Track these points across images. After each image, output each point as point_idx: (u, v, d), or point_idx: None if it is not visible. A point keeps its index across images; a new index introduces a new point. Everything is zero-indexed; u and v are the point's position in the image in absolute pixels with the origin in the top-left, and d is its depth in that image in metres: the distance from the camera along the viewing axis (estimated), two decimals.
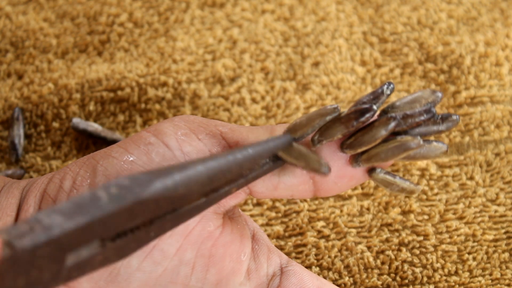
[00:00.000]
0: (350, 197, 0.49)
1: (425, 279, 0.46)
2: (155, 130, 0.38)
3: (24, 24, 0.56)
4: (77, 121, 0.51)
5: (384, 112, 0.37)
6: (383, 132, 0.36)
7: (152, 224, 0.33)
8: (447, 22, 0.56)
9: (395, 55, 0.55)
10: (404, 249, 0.47)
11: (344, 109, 0.42)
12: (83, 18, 0.56)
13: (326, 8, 0.57)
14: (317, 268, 0.47)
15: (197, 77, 0.54)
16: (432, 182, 0.49)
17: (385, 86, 0.37)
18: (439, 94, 0.37)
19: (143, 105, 0.52)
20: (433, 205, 0.49)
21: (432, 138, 0.38)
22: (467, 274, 0.46)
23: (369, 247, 0.47)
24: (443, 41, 0.55)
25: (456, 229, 0.48)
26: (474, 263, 0.47)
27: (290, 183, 0.37)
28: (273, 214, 0.48)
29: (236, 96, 0.53)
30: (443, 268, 0.46)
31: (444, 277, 0.46)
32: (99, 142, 0.51)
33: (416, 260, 0.47)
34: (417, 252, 0.47)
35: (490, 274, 0.46)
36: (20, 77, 0.54)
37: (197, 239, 0.37)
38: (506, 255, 0.47)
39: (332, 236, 0.48)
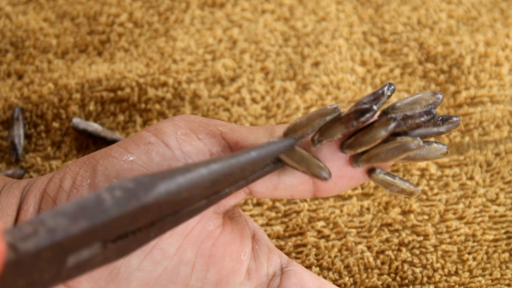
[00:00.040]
0: (350, 197, 0.49)
1: (425, 279, 0.46)
2: (155, 130, 0.38)
3: (24, 24, 0.56)
4: (77, 121, 0.51)
5: (384, 113, 0.37)
6: (383, 133, 0.36)
7: (153, 226, 0.33)
8: (447, 22, 0.56)
9: (395, 55, 0.55)
10: (404, 249, 0.47)
11: (344, 109, 0.42)
12: (83, 18, 0.56)
13: (326, 8, 0.57)
14: (317, 268, 0.47)
15: (197, 77, 0.54)
16: (432, 182, 0.49)
17: (386, 87, 0.37)
18: (440, 96, 0.37)
19: (143, 105, 0.52)
20: (433, 205, 0.49)
21: (432, 139, 0.38)
22: (467, 274, 0.46)
23: (369, 247, 0.47)
24: (443, 41, 0.55)
25: (456, 229, 0.48)
26: (474, 263, 0.47)
27: (290, 183, 0.37)
28: (273, 214, 0.48)
29: (236, 96, 0.53)
30: (443, 268, 0.46)
31: (444, 277, 0.46)
32: (99, 142, 0.51)
33: (416, 260, 0.47)
34: (417, 252, 0.47)
35: (490, 274, 0.46)
36: (20, 77, 0.54)
37: (197, 238, 0.37)
38: (506, 255, 0.47)
39: (332, 236, 0.48)
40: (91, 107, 0.52)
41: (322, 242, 0.47)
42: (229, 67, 0.54)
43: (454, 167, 0.50)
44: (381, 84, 0.53)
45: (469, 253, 0.47)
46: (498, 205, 0.49)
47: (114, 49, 0.55)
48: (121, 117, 0.52)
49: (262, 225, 0.48)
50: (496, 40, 0.55)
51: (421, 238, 0.47)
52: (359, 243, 0.47)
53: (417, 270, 0.46)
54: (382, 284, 0.46)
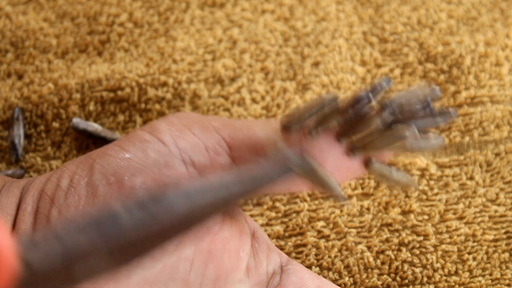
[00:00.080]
0: (350, 197, 0.49)
1: (425, 279, 0.46)
2: (150, 128, 0.38)
3: (24, 24, 0.56)
4: (77, 121, 0.51)
5: (381, 104, 0.37)
6: (378, 121, 0.36)
7: (163, 241, 0.33)
8: (447, 22, 0.56)
9: (395, 55, 0.55)
10: (404, 249, 0.47)
11: None
12: (83, 18, 0.56)
13: (326, 8, 0.57)
14: (317, 268, 0.47)
15: (197, 77, 0.54)
16: (432, 182, 0.49)
17: (383, 80, 0.37)
18: (437, 89, 0.37)
19: (143, 105, 0.52)
20: (433, 205, 0.49)
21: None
22: (467, 274, 0.46)
23: (369, 247, 0.47)
24: (443, 41, 0.55)
25: (456, 229, 0.48)
26: (474, 263, 0.47)
27: None
28: (273, 214, 0.48)
29: (236, 96, 0.53)
30: (443, 268, 0.46)
31: (444, 277, 0.46)
32: (99, 142, 0.51)
33: (416, 260, 0.47)
34: (417, 252, 0.47)
35: (490, 274, 0.46)
36: (20, 77, 0.54)
37: (195, 234, 0.37)
38: (506, 255, 0.47)
39: (332, 236, 0.48)
40: (91, 107, 0.52)
41: (322, 242, 0.47)
42: (229, 67, 0.54)
43: (454, 167, 0.50)
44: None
45: (469, 253, 0.47)
46: (498, 205, 0.49)
47: (114, 49, 0.55)
48: (121, 117, 0.52)
49: (262, 225, 0.48)
50: (496, 40, 0.55)
51: (421, 238, 0.47)
52: (359, 243, 0.47)
53: (417, 270, 0.46)
54: (382, 284, 0.46)
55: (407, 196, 0.49)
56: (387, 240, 0.47)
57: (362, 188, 0.49)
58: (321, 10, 0.57)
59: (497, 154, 0.50)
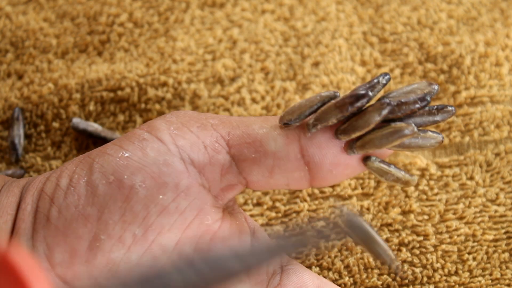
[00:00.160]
0: (350, 197, 0.49)
1: (425, 279, 0.46)
2: (149, 127, 0.38)
3: (24, 24, 0.56)
4: (77, 121, 0.51)
5: (380, 101, 0.37)
6: (376, 117, 0.36)
7: None
8: (447, 22, 0.56)
9: (395, 55, 0.55)
10: (404, 249, 0.47)
11: None
12: (83, 18, 0.56)
13: (326, 8, 0.57)
14: (317, 268, 0.47)
15: (197, 77, 0.54)
16: (432, 182, 0.49)
17: (381, 76, 0.37)
18: (435, 86, 0.37)
19: (143, 105, 0.52)
20: (433, 205, 0.49)
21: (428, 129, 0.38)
22: (467, 274, 0.46)
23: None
24: (443, 41, 0.55)
25: (456, 229, 0.48)
26: (474, 263, 0.47)
27: (284, 167, 0.37)
28: (273, 214, 0.48)
29: (236, 96, 0.53)
30: (443, 268, 0.46)
31: (444, 277, 0.46)
32: (99, 142, 0.51)
33: (416, 260, 0.47)
34: (417, 252, 0.47)
35: (490, 274, 0.46)
36: (20, 77, 0.54)
37: (195, 232, 0.37)
38: (506, 255, 0.47)
39: (332, 236, 0.48)
40: (91, 107, 0.52)
41: (322, 242, 0.47)
42: (229, 67, 0.54)
43: (454, 167, 0.50)
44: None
45: (469, 253, 0.47)
46: (498, 205, 0.49)
47: (114, 49, 0.55)
48: (121, 117, 0.52)
49: (262, 225, 0.48)
50: (496, 40, 0.55)
51: (421, 238, 0.47)
52: None
53: (417, 270, 0.46)
54: (382, 284, 0.46)
55: (407, 196, 0.49)
56: (387, 240, 0.47)
57: (362, 188, 0.49)
58: (321, 10, 0.57)
59: (497, 154, 0.50)
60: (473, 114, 0.52)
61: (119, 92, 0.53)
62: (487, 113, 0.52)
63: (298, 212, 0.48)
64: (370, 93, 0.36)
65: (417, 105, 0.36)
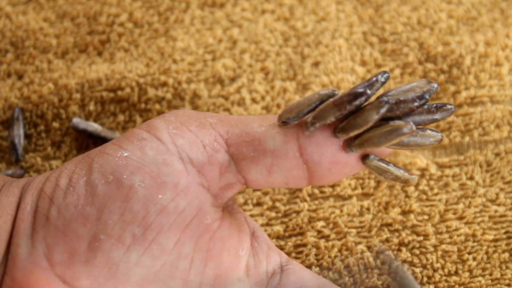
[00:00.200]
0: (350, 197, 0.49)
1: (425, 279, 0.46)
2: (147, 126, 0.38)
3: (24, 24, 0.56)
4: (77, 121, 0.51)
5: (378, 99, 0.37)
6: (375, 116, 0.36)
7: None
8: (447, 22, 0.56)
9: (395, 55, 0.55)
10: (404, 249, 0.47)
11: None
12: (83, 18, 0.56)
13: (326, 8, 0.57)
14: (317, 268, 0.47)
15: (197, 77, 0.54)
16: (432, 182, 0.49)
17: (380, 75, 0.37)
18: (435, 85, 0.37)
19: (143, 105, 0.52)
20: (433, 205, 0.49)
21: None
22: (467, 274, 0.46)
23: (369, 247, 0.47)
24: (443, 41, 0.55)
25: (456, 229, 0.48)
26: (474, 263, 0.47)
27: (283, 166, 0.37)
28: (273, 214, 0.48)
29: (236, 96, 0.53)
30: (443, 268, 0.46)
31: (444, 277, 0.46)
32: (99, 142, 0.51)
33: (416, 260, 0.47)
34: (417, 252, 0.47)
35: (490, 274, 0.46)
36: (20, 77, 0.54)
37: (194, 232, 0.37)
38: (506, 255, 0.47)
39: (332, 236, 0.48)
40: (91, 107, 0.52)
41: (322, 242, 0.47)
42: (229, 67, 0.54)
43: (454, 167, 0.50)
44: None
45: (469, 253, 0.47)
46: (498, 205, 0.49)
47: (114, 49, 0.55)
48: (121, 117, 0.52)
49: (262, 225, 0.48)
50: (496, 40, 0.55)
51: (421, 238, 0.47)
52: (359, 243, 0.47)
53: (417, 270, 0.46)
54: (382, 284, 0.46)
55: (407, 196, 0.49)
56: (387, 240, 0.47)
57: (362, 188, 0.49)
58: (321, 10, 0.57)
59: (497, 154, 0.50)
60: (473, 114, 0.52)
61: (119, 92, 0.53)
62: (487, 113, 0.52)
63: (298, 212, 0.48)
64: (369, 91, 0.36)
65: (416, 103, 0.36)
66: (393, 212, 0.48)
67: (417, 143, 0.37)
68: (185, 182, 0.37)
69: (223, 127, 0.38)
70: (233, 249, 0.38)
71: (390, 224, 0.48)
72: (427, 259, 0.47)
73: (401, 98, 0.36)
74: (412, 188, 0.49)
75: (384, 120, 0.37)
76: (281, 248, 0.47)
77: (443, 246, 0.47)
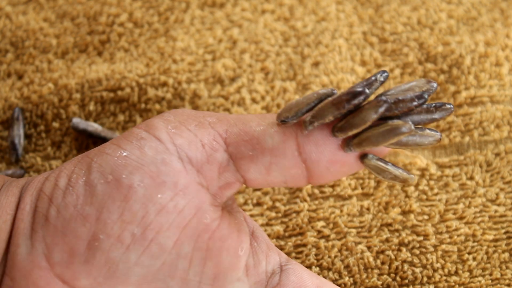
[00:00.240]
0: (350, 197, 0.49)
1: (425, 279, 0.46)
2: (146, 126, 0.38)
3: (24, 24, 0.56)
4: (77, 121, 0.51)
5: (377, 98, 0.37)
6: (373, 115, 0.35)
7: None
8: (447, 22, 0.56)
9: (395, 55, 0.55)
10: (404, 249, 0.47)
11: None
12: (83, 18, 0.56)
13: (326, 8, 0.57)
14: (317, 268, 0.47)
15: (197, 77, 0.54)
16: (432, 182, 0.49)
17: (379, 74, 0.37)
18: (434, 84, 0.37)
19: (143, 105, 0.52)
20: (433, 205, 0.49)
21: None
22: (467, 274, 0.46)
23: (369, 247, 0.47)
24: (443, 41, 0.55)
25: (456, 229, 0.48)
26: (474, 263, 0.47)
27: (281, 164, 0.37)
28: (273, 214, 0.48)
29: (236, 96, 0.53)
30: (443, 268, 0.46)
31: (444, 277, 0.46)
32: (99, 142, 0.51)
33: (416, 260, 0.47)
34: (417, 252, 0.47)
35: (490, 274, 0.46)
36: (20, 77, 0.54)
37: (194, 231, 0.37)
38: (506, 255, 0.47)
39: (332, 236, 0.48)
40: (91, 107, 0.52)
41: (322, 242, 0.47)
42: (229, 67, 0.54)
43: (454, 167, 0.50)
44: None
45: (469, 253, 0.47)
46: (498, 205, 0.49)
47: (114, 49, 0.55)
48: (121, 117, 0.52)
49: (262, 225, 0.48)
50: (496, 40, 0.55)
51: (421, 238, 0.47)
52: (359, 243, 0.47)
53: (417, 270, 0.46)
54: (382, 284, 0.46)
55: (407, 196, 0.49)
56: (387, 240, 0.47)
57: (362, 188, 0.49)
58: (321, 10, 0.57)
59: (497, 154, 0.50)
60: (473, 114, 0.52)
61: (119, 92, 0.53)
62: (487, 113, 0.52)
63: (298, 212, 0.48)
64: (367, 91, 0.36)
65: (415, 103, 0.36)
66: (393, 212, 0.48)
67: (416, 143, 0.37)
68: (184, 182, 0.37)
69: (222, 126, 0.38)
70: (232, 249, 0.38)
71: (390, 224, 0.48)
72: (427, 259, 0.47)
73: (400, 98, 0.36)
74: (412, 188, 0.49)
75: (383, 119, 0.36)
76: (281, 248, 0.47)
77: (443, 246, 0.47)
